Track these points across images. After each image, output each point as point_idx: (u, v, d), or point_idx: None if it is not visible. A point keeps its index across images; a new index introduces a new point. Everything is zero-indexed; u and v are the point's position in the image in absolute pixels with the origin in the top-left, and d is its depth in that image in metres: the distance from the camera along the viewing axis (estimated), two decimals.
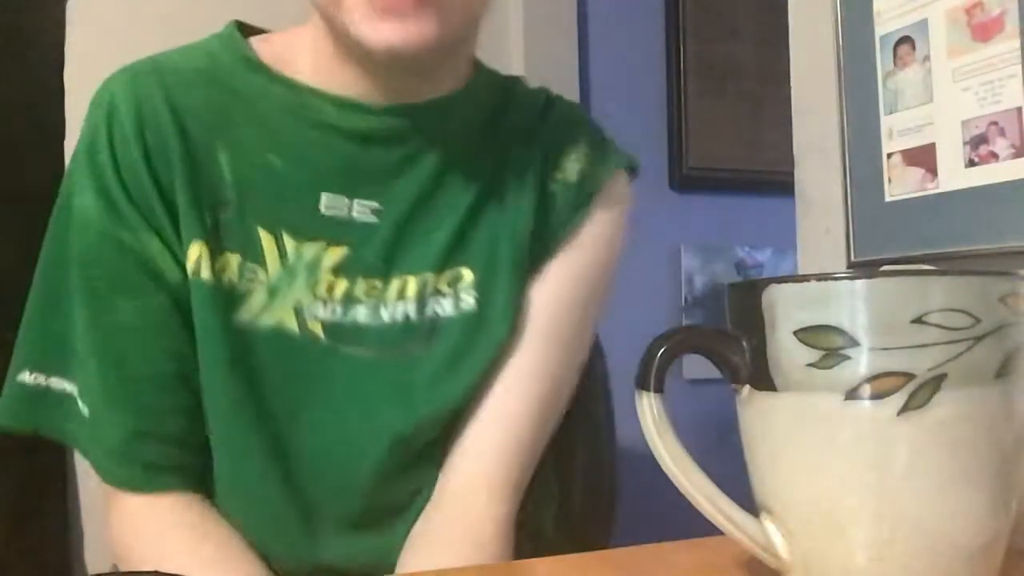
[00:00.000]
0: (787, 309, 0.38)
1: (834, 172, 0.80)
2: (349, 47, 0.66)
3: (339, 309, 0.68)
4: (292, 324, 0.68)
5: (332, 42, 0.68)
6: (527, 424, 0.72)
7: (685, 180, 1.88)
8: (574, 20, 1.78)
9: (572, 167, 0.77)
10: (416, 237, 0.71)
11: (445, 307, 0.71)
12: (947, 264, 0.70)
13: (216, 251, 0.66)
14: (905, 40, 0.72)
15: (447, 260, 0.71)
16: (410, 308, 0.70)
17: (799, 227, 0.84)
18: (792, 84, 0.84)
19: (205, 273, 0.66)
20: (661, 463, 0.42)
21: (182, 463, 0.68)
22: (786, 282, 0.39)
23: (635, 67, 1.88)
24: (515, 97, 0.79)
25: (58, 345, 0.67)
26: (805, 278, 0.38)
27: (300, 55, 0.71)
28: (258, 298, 0.67)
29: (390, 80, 0.68)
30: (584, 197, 0.76)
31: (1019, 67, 0.64)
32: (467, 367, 0.70)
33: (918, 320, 0.36)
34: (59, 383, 0.67)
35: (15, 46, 1.44)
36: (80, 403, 0.66)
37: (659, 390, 0.42)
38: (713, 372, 0.44)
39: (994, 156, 0.66)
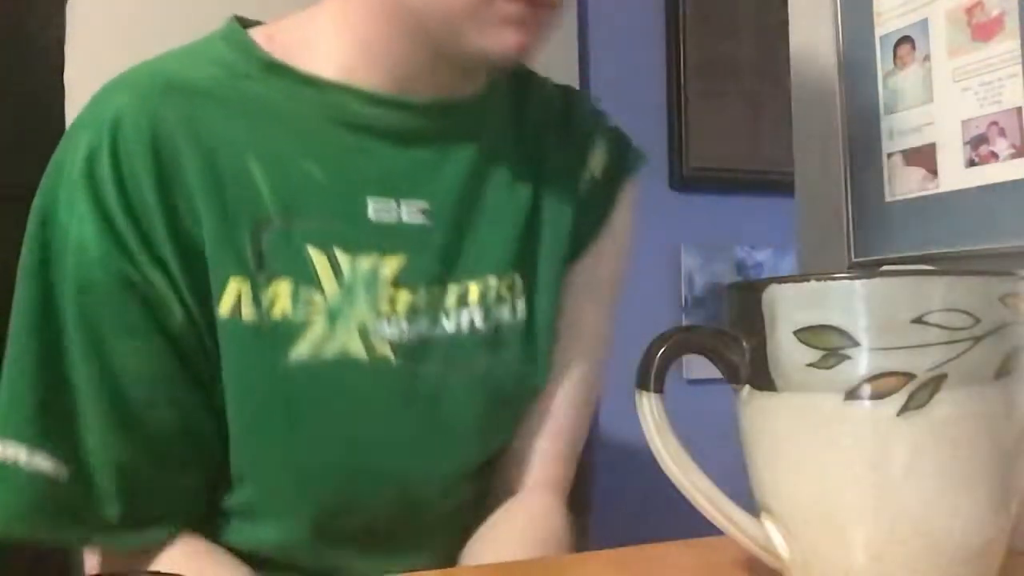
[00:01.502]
0: (787, 309, 0.38)
1: (834, 172, 0.80)
2: (437, 50, 0.63)
3: (404, 325, 0.64)
4: (359, 349, 0.63)
5: (386, 37, 0.64)
6: (579, 429, 0.75)
7: (685, 180, 1.88)
8: (574, 20, 1.78)
9: (598, 163, 0.76)
10: (471, 239, 0.67)
11: (504, 314, 0.68)
12: (947, 264, 0.70)
13: (262, 283, 0.61)
14: (905, 40, 0.72)
15: (507, 264, 0.68)
16: (476, 315, 0.67)
17: (799, 227, 0.84)
18: (792, 84, 0.84)
19: (248, 313, 0.60)
20: (661, 463, 0.42)
21: (178, 511, 0.63)
22: (786, 282, 0.39)
23: (635, 67, 1.87)
24: (532, 88, 0.76)
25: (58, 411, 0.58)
26: (805, 278, 0.38)
27: (316, 47, 0.65)
28: (318, 328, 0.62)
29: (437, 77, 0.66)
30: (610, 195, 0.76)
31: (1019, 67, 0.64)
32: (530, 376, 0.70)
33: (918, 320, 0.36)
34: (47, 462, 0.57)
35: (15, 46, 1.44)
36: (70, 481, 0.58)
37: (659, 390, 0.42)
38: (713, 372, 0.44)
39: (994, 156, 0.66)
